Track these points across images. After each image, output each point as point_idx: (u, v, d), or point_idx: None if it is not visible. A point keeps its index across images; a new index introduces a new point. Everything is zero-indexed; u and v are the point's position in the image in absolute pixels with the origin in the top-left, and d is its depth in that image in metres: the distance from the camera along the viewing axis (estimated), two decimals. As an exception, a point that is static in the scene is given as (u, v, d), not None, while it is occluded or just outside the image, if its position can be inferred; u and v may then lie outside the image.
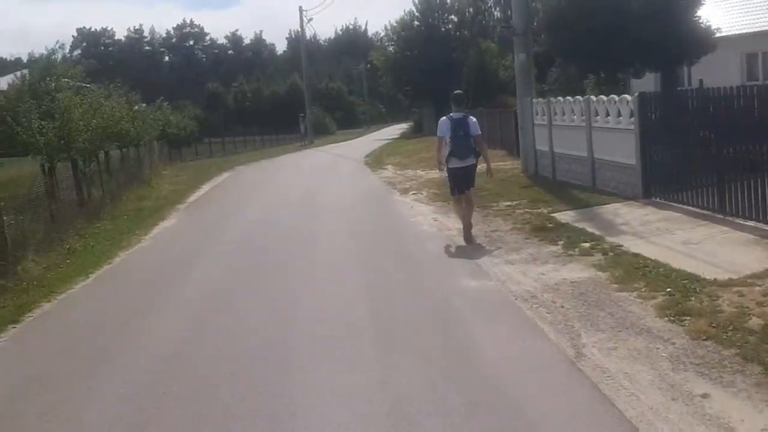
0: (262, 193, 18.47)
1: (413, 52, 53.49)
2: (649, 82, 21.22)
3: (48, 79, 18.16)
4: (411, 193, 15.77)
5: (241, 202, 16.88)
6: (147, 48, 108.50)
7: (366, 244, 10.34)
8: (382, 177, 20.56)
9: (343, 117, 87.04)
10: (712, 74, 16.79)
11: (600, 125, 12.52)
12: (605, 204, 11.17)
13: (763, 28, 21.57)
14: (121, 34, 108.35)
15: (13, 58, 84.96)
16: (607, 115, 12.26)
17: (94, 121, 16.17)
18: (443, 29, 54.83)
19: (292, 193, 17.76)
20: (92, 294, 8.67)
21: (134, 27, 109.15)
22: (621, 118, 11.70)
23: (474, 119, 9.59)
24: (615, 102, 11.91)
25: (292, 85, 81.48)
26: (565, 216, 10.68)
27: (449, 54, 51.88)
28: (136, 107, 31.38)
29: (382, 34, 67.57)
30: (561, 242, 8.95)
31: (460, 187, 9.66)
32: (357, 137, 59.23)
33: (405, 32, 53.87)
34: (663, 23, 14.79)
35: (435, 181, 17.53)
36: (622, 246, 8.41)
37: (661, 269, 7.19)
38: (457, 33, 55.24)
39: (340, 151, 38.82)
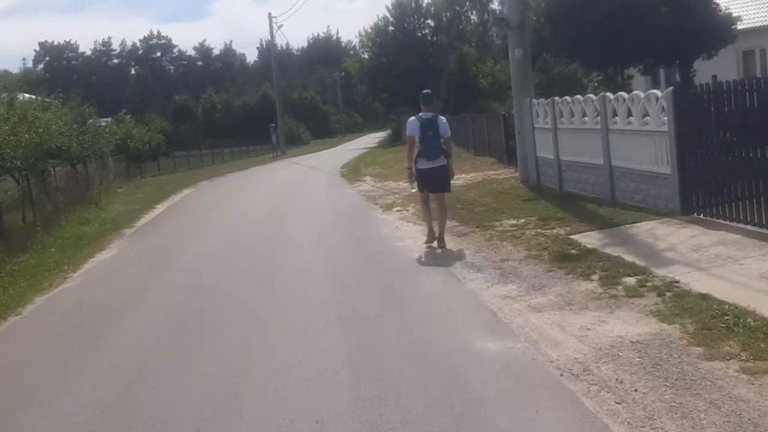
0: (222, 215, 16.28)
1: (389, 58, 51.73)
2: (640, 84, 19.52)
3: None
4: (395, 209, 13.75)
5: (197, 226, 14.70)
6: (114, 61, 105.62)
7: (344, 283, 8.24)
8: (361, 190, 18.53)
9: (317, 127, 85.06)
10: (707, 72, 15.12)
11: (619, 127, 10.59)
12: (636, 222, 9.20)
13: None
14: (86, 47, 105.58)
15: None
16: (629, 115, 10.34)
17: (26, 135, 13.97)
18: (419, 34, 53.14)
19: (257, 213, 15.62)
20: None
21: (102, 40, 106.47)
22: (648, 118, 9.78)
23: (444, 119, 9.33)
24: (640, 100, 9.98)
25: (264, 96, 79.25)
26: (590, 239, 8.70)
27: (426, 59, 50.18)
28: (90, 120, 29.24)
29: (356, 41, 65.71)
30: (596, 277, 6.96)
31: (430, 187, 9.34)
32: (332, 147, 57.27)
33: (380, 38, 52.09)
34: (678, 11, 12.95)
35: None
36: (678, 282, 6.44)
37: (749, 319, 5.22)
38: (434, 38, 53.57)
39: (314, 161, 36.75)
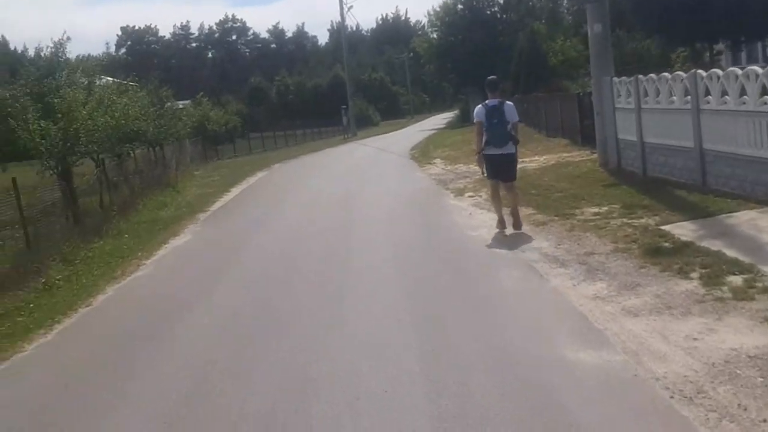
0: (293, 199, 15.91)
1: (457, 37, 50.54)
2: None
3: (54, 76, 15.93)
4: (467, 194, 13.08)
5: (268, 211, 14.37)
6: (192, 45, 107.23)
7: (417, 278, 7.62)
8: (431, 174, 17.90)
9: (387, 108, 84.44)
10: None
11: (713, 107, 9.59)
12: (733, 212, 8.27)
13: None
14: (166, 31, 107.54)
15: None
16: (723, 94, 9.34)
17: (102, 119, 13.89)
18: (488, 12, 51.73)
19: (327, 199, 15.16)
20: (44, 362, 6.24)
21: (180, 24, 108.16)
22: (746, 97, 8.79)
23: (510, 104, 9.03)
24: (736, 77, 8.98)
25: (335, 77, 79.11)
26: (683, 230, 7.85)
27: (495, 38, 48.76)
28: (168, 103, 29.43)
29: (425, 20, 64.53)
30: (695, 275, 6.17)
31: (499, 175, 9.12)
32: (401, 128, 56.59)
33: (448, 17, 50.92)
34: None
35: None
36: (793, 282, 5.62)
37: None
38: (503, 16, 52.03)
39: (384, 143, 36.21)
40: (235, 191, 18.24)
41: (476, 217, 10.68)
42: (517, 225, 9.01)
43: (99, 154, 14.70)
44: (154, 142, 19.02)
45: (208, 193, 17.89)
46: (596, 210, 9.66)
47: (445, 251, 8.72)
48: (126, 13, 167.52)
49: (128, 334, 6.71)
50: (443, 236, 9.71)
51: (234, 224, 13.03)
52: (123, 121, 14.47)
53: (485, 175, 9.48)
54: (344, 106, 52.33)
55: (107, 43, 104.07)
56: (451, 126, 47.85)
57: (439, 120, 60.69)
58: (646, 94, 11.64)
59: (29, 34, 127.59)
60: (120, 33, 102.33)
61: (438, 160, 21.32)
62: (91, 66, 17.45)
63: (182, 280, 8.85)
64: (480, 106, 9.03)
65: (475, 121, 9.16)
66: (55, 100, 13.69)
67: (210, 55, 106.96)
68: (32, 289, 8.45)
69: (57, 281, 8.81)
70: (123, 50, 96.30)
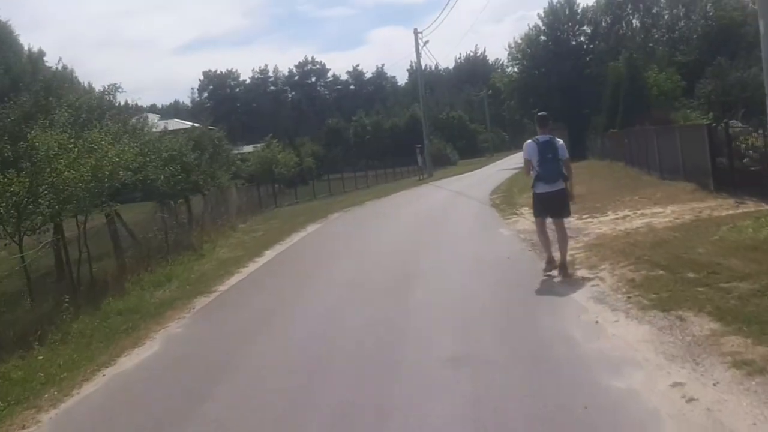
0: (331, 273, 11.18)
1: (540, 69, 45.81)
2: None
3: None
4: (579, 274, 8.38)
5: (292, 294, 9.92)
6: (271, 88, 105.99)
7: None
8: (519, 231, 13.22)
9: (465, 146, 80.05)
10: None
11: None
12: None
13: None
14: (246, 76, 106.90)
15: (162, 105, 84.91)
16: None
17: (71, 173, 10.02)
18: (574, 42, 46.72)
19: (376, 274, 10.62)
20: None
21: (259, 68, 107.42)
22: None
23: (561, 141, 8.59)
24: None
25: (412, 117, 75.53)
26: None
27: (581, 70, 43.76)
28: (226, 146, 26.15)
29: (506, 53, 59.92)
30: None
31: (549, 211, 8.65)
32: (480, 167, 51.94)
33: (530, 49, 46.29)
34: None
35: (620, 238, 10.01)
36: None
37: None
38: (590, 46, 46.90)
39: (461, 185, 31.65)
40: (267, 256, 13.99)
41: (608, 330, 6.00)
42: (565, 272, 8.29)
43: (75, 215, 10.80)
44: (170, 195, 15.07)
45: (235, 259, 13.74)
46: None
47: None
48: (214, 61, 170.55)
49: None
50: (559, 390, 5.00)
51: (235, 319, 8.67)
52: (106, 172, 10.47)
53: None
54: (419, 146, 48.17)
55: (192, 88, 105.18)
56: (534, 165, 42.84)
57: (520, 158, 55.65)
58: None
59: (123, 85, 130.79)
60: (202, 77, 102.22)
61: (525, 209, 16.49)
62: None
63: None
64: (530, 141, 8.67)
65: (524, 158, 8.73)
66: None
67: (289, 97, 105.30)
68: None
69: None
70: (205, 94, 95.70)
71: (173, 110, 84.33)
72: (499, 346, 6.12)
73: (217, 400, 5.61)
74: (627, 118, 27.80)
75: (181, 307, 9.55)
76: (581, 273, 8.54)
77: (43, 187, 9.84)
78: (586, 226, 12.55)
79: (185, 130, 26.39)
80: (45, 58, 41.62)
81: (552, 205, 8.58)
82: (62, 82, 14.74)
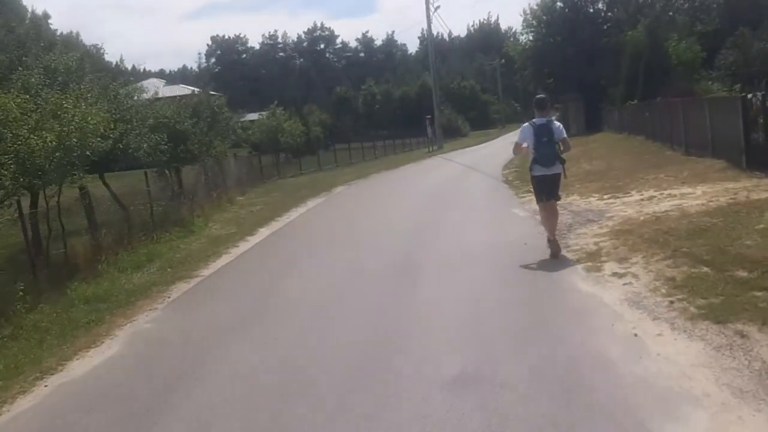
0: (326, 259, 10.13)
1: (556, 38, 44.01)
2: None
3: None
4: (608, 270, 7.25)
5: (280, 283, 8.83)
6: (280, 54, 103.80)
7: None
8: (535, 211, 11.90)
9: (476, 117, 78.25)
10: None
11: None
12: None
13: None
14: (255, 42, 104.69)
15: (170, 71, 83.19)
16: None
17: (38, 141, 8.89)
18: (591, 9, 44.84)
19: (376, 261, 9.45)
20: None
21: (268, 33, 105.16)
22: None
23: (558, 124, 8.48)
24: None
25: (423, 86, 73.75)
26: None
27: (599, 38, 41.90)
28: (226, 113, 24.93)
29: (520, 20, 57.90)
30: None
31: (547, 195, 8.58)
32: (491, 139, 50.57)
33: (546, 16, 44.43)
34: None
35: (649, 224, 8.77)
36: None
37: None
38: (609, 14, 45.03)
39: (471, 158, 30.38)
40: (261, 234, 12.90)
41: (650, 348, 4.89)
42: (554, 249, 8.25)
43: (43, 188, 9.70)
44: (153, 165, 13.86)
45: (225, 237, 12.67)
46: None
47: None
48: (222, 26, 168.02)
49: None
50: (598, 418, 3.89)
51: (212, 315, 7.59)
52: (74, 140, 9.33)
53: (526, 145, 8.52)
54: (429, 116, 46.64)
55: (199, 53, 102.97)
56: (547, 137, 41.35)
57: (533, 131, 54.07)
58: None
59: (132, 50, 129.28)
60: (210, 43, 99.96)
61: (540, 188, 15.30)
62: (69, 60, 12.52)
63: None
64: (527, 124, 8.59)
65: (516, 141, 8.78)
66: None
67: (298, 64, 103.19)
68: None
69: None
70: (213, 59, 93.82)
71: (180, 76, 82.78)
72: (515, 365, 4.99)
73: (170, 426, 4.54)
74: (647, 89, 26.30)
75: (156, 296, 8.49)
76: (609, 267, 7.38)
77: (7, 156, 8.71)
78: (609, 208, 11.36)
79: (182, 96, 25.16)
80: (50, 21, 40.30)
81: (548, 187, 8.59)
82: (37, 41, 13.46)
